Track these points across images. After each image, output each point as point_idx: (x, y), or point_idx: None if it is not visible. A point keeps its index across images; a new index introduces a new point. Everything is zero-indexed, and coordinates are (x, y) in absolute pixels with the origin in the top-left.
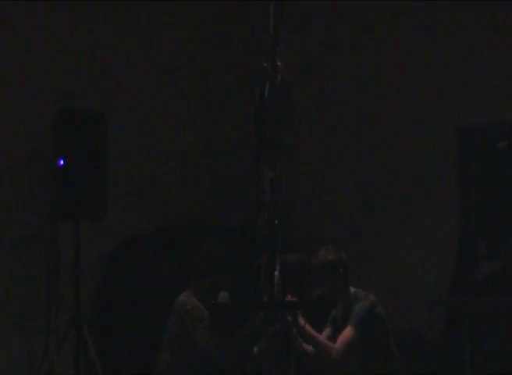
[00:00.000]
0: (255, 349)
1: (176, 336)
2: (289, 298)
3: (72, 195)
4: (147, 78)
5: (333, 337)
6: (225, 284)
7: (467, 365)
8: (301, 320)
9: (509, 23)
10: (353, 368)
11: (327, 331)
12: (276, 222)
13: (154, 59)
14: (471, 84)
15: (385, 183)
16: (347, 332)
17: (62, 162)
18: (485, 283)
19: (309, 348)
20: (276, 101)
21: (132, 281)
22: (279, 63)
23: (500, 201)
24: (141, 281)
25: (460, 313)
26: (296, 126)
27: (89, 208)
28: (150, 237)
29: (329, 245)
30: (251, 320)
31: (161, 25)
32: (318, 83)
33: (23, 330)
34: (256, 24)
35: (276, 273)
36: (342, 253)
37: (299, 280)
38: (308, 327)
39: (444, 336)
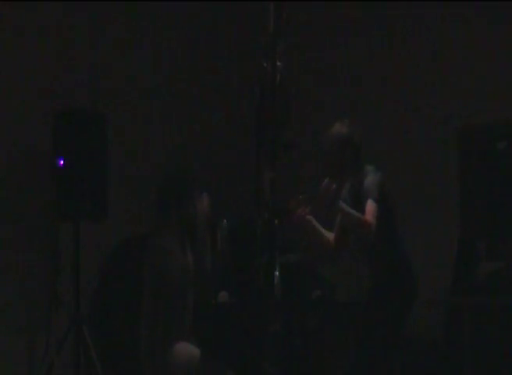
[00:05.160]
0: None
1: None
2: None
3: (73, 195)
4: (147, 78)
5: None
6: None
7: (467, 365)
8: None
9: (509, 22)
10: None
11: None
12: (276, 222)
13: (155, 59)
14: (471, 84)
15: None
16: (370, 206)
17: (62, 162)
18: (485, 283)
19: (330, 235)
20: (276, 101)
21: (132, 281)
22: (278, 63)
23: (500, 202)
24: (141, 281)
25: (460, 313)
26: (296, 126)
27: (89, 209)
28: None
29: (346, 119)
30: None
31: (161, 25)
32: (317, 83)
33: (23, 330)
34: (256, 24)
35: (276, 273)
36: (358, 128)
37: (299, 280)
38: (342, 204)
39: (444, 336)
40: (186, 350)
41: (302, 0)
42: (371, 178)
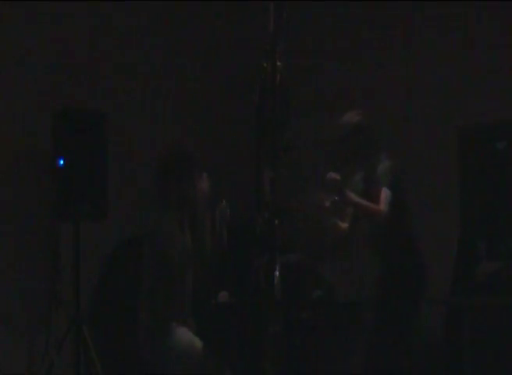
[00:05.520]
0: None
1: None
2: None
3: (73, 195)
4: (147, 78)
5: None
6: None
7: (467, 365)
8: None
9: (509, 22)
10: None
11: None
12: (276, 222)
13: (155, 59)
14: (471, 84)
15: None
16: (383, 193)
17: (62, 162)
18: (485, 283)
19: (343, 225)
20: (276, 101)
21: (132, 281)
22: (278, 63)
23: (500, 202)
24: (141, 281)
25: (460, 313)
26: (296, 126)
27: (89, 209)
28: None
29: (356, 110)
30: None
31: (162, 25)
32: (317, 82)
33: (23, 330)
34: (256, 24)
35: (276, 273)
36: (370, 116)
37: (299, 280)
38: (350, 194)
39: (444, 336)
40: (187, 336)
41: (302, 0)
42: (384, 165)
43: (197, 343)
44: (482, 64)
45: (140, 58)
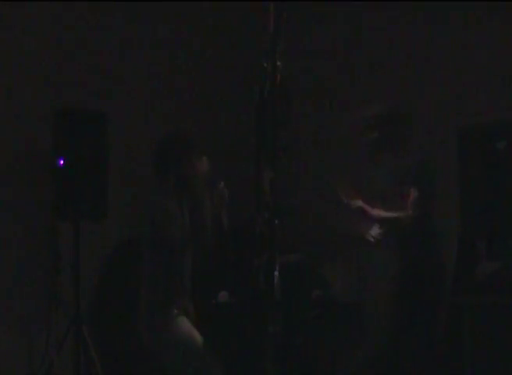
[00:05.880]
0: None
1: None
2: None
3: (73, 195)
4: (147, 78)
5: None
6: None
7: (467, 365)
8: (367, 207)
9: (509, 22)
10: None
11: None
12: (276, 222)
13: (154, 60)
14: (471, 84)
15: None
16: (413, 194)
17: (62, 162)
18: (485, 283)
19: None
20: (276, 101)
21: (132, 281)
22: (278, 63)
23: (500, 202)
24: (141, 281)
25: (460, 313)
26: (296, 126)
27: (89, 209)
28: None
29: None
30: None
31: (161, 25)
32: (317, 83)
33: (23, 330)
34: (256, 24)
35: (276, 273)
36: (397, 105)
37: (299, 280)
38: (374, 211)
39: (444, 336)
40: (187, 326)
41: (302, 0)
42: (415, 161)
43: (196, 335)
44: (482, 64)
45: (140, 58)
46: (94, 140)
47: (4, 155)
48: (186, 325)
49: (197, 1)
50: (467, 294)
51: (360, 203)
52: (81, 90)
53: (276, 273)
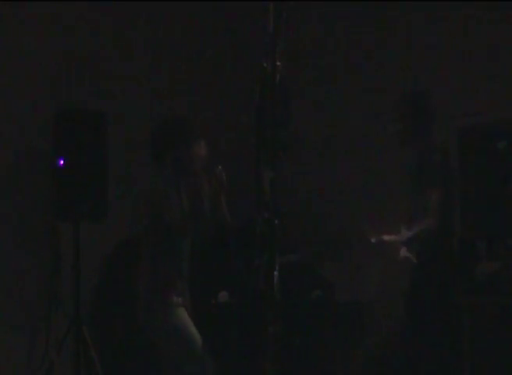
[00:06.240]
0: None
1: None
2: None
3: (72, 195)
4: (147, 78)
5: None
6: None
7: (467, 365)
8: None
9: (509, 22)
10: None
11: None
12: (276, 222)
13: (155, 59)
14: (471, 84)
15: (386, 183)
16: (435, 196)
17: (62, 162)
18: (485, 283)
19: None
20: (276, 101)
21: (132, 281)
22: (278, 63)
23: (500, 201)
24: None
25: (460, 313)
26: (296, 126)
27: (89, 209)
28: None
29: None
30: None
31: (162, 25)
32: (317, 82)
33: (23, 330)
34: (256, 24)
35: (276, 273)
36: (424, 93)
37: (299, 280)
38: (399, 236)
39: (444, 335)
40: (186, 318)
41: (302, 0)
42: (437, 157)
43: (192, 328)
44: (482, 64)
45: (140, 58)
46: (94, 140)
47: (4, 155)
48: (184, 316)
49: (197, 1)
50: (467, 294)
51: (385, 238)
52: (81, 90)
53: (276, 273)
